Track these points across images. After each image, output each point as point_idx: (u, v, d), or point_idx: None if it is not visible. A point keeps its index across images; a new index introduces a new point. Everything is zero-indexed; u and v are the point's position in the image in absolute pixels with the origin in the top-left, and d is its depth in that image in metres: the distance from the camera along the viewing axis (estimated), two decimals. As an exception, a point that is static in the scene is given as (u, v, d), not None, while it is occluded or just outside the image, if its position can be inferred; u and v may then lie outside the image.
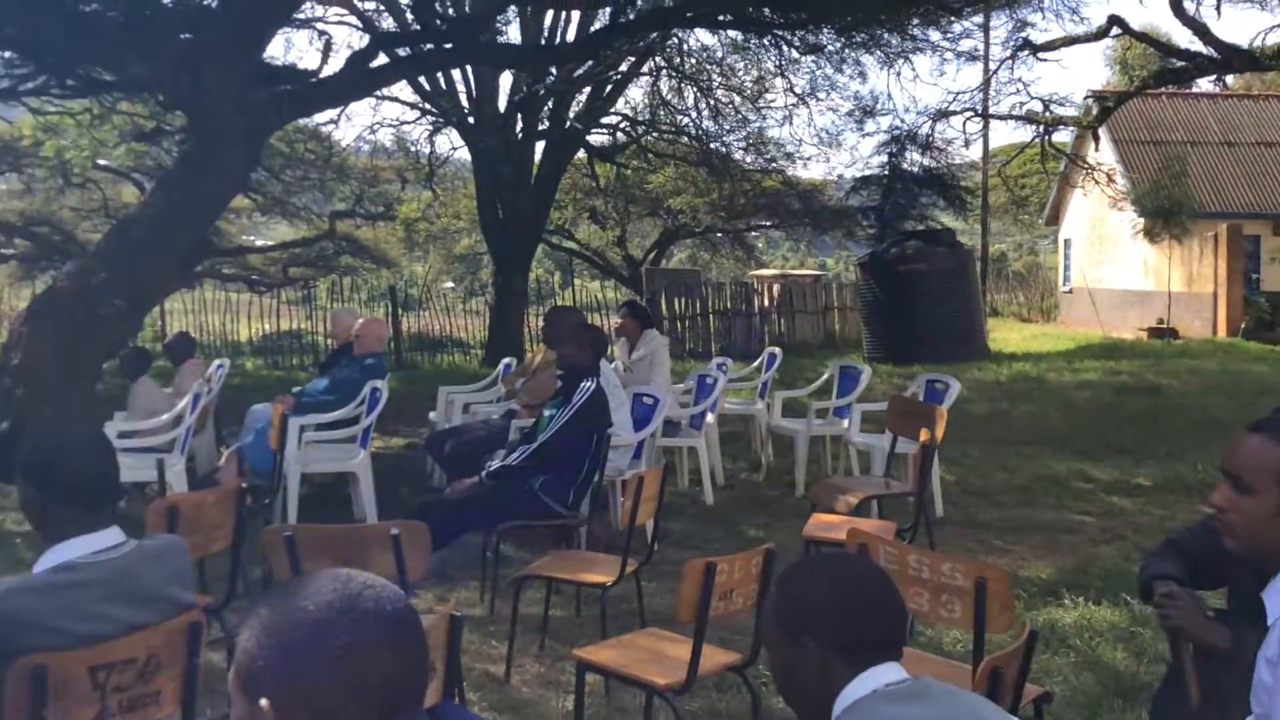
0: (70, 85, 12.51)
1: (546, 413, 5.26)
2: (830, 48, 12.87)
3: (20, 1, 7.83)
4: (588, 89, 15.99)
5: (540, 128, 15.93)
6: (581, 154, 18.28)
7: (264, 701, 1.22)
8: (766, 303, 18.61)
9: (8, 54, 11.40)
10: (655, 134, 18.49)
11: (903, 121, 24.14)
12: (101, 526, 2.35)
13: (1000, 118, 16.95)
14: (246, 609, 4.51)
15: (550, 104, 15.68)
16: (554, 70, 14.14)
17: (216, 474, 6.60)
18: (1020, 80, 18.77)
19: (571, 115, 16.09)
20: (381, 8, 14.03)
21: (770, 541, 3.63)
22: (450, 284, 30.54)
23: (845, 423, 7.48)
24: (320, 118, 15.60)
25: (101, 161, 18.23)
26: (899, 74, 32.90)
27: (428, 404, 8.83)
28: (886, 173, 18.48)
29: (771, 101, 17.74)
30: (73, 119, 16.34)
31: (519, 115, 15.70)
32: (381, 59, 9.77)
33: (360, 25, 14.17)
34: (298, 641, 1.23)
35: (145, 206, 8.44)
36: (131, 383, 7.14)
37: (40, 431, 2.41)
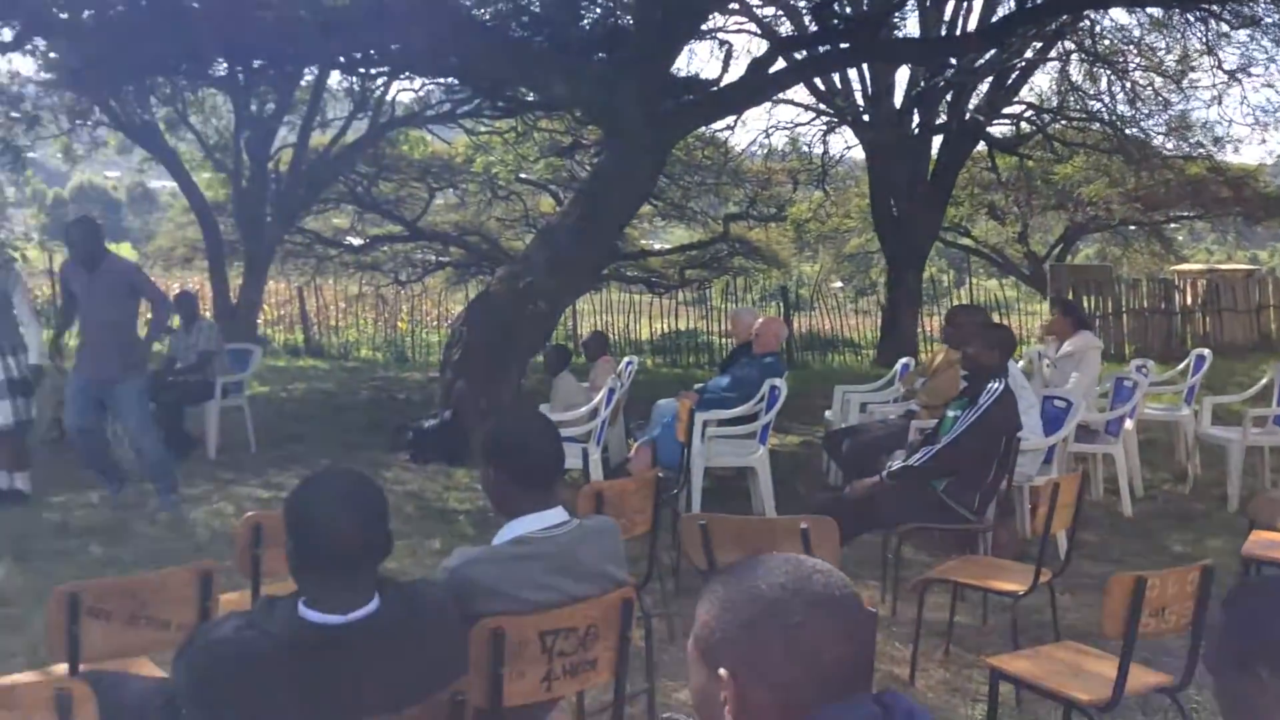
0: (500, 106, 13.82)
1: (950, 413, 5.14)
2: (1268, 19, 11.61)
3: (462, 34, 8.72)
4: (989, 79, 15.39)
5: (938, 121, 15.54)
6: (981, 147, 17.62)
7: (722, 671, 1.30)
8: (1189, 300, 17.04)
9: (449, 81, 12.78)
10: (1063, 122, 17.46)
11: (1358, 94, 21.23)
12: (550, 505, 2.58)
13: None
14: (658, 592, 4.80)
15: (949, 96, 15.25)
16: (954, 61, 13.75)
17: (628, 464, 7.01)
18: None
19: (971, 107, 15.57)
20: (780, 13, 14.28)
21: (1203, 559, 3.35)
22: (839, 283, 30.50)
23: (1289, 433, 6.72)
24: (718, 124, 16.12)
25: (523, 175, 19.90)
26: (1352, 41, 28.88)
27: (820, 402, 8.89)
28: (1338, 153, 16.32)
29: (1197, 81, 16.22)
30: (500, 137, 17.98)
31: (915, 110, 15.40)
32: (780, 63, 9.96)
33: (759, 32, 14.50)
34: (754, 618, 1.30)
35: (565, 216, 9.12)
36: (553, 378, 7.74)
37: (502, 420, 2.68)
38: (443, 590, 2.35)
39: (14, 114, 14.29)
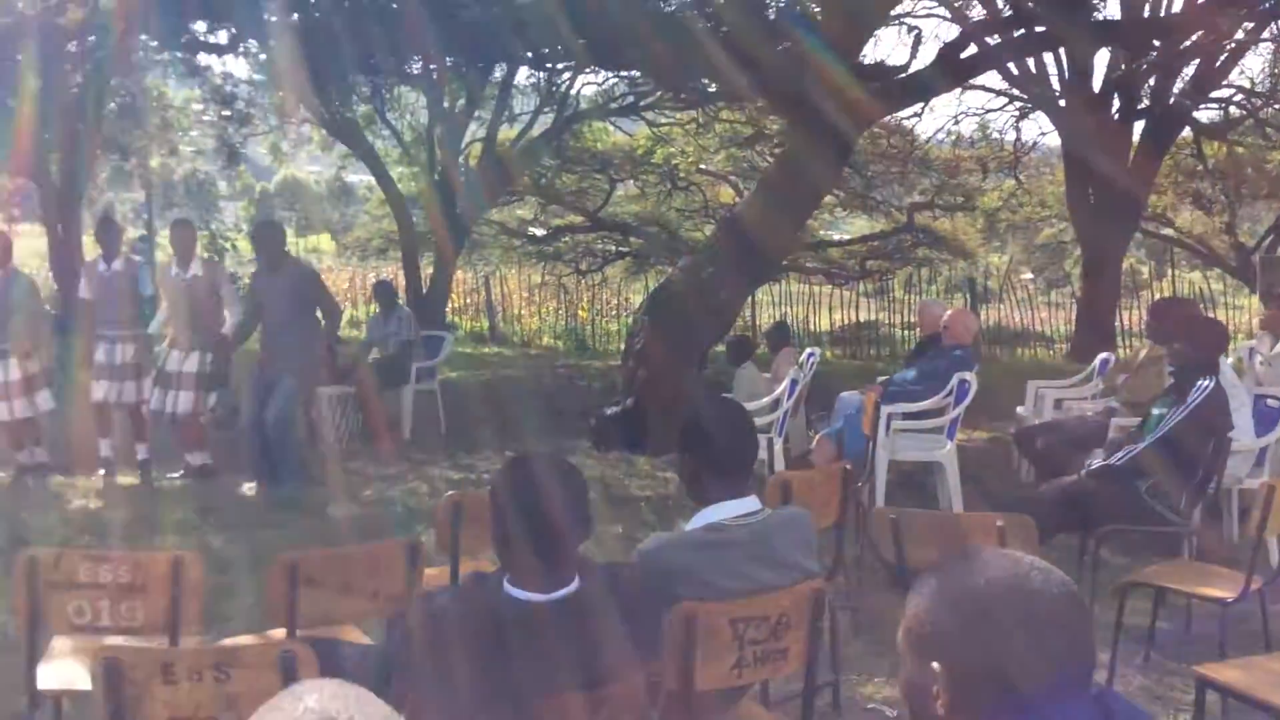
0: (682, 98, 13.89)
1: (1155, 411, 4.91)
2: None
3: (647, 26, 8.79)
4: (1196, 61, 14.54)
5: (1140, 106, 14.79)
6: (1186, 132, 16.68)
7: (935, 665, 1.29)
8: None
9: (633, 74, 12.93)
10: (1277, 106, 16.37)
11: None
12: (744, 494, 2.60)
13: None
14: (842, 585, 4.76)
15: (1152, 80, 14.48)
16: (1157, 44, 13.05)
17: (809, 455, 6.96)
18: None
19: (1176, 91, 14.75)
20: (971, -4, 13.88)
21: None
22: (1028, 275, 29.43)
23: None
24: (904, 111, 15.76)
25: (702, 166, 19.94)
26: None
27: (1008, 397, 8.61)
28: None
29: None
30: (681, 129, 18.06)
31: (1116, 94, 14.69)
32: (971, 48, 9.65)
33: (949, 16, 14.11)
34: (970, 614, 1.29)
35: (748, 206, 9.11)
36: (735, 368, 7.75)
37: (697, 408, 2.71)
38: (639, 573, 2.40)
39: (226, 113, 15.24)
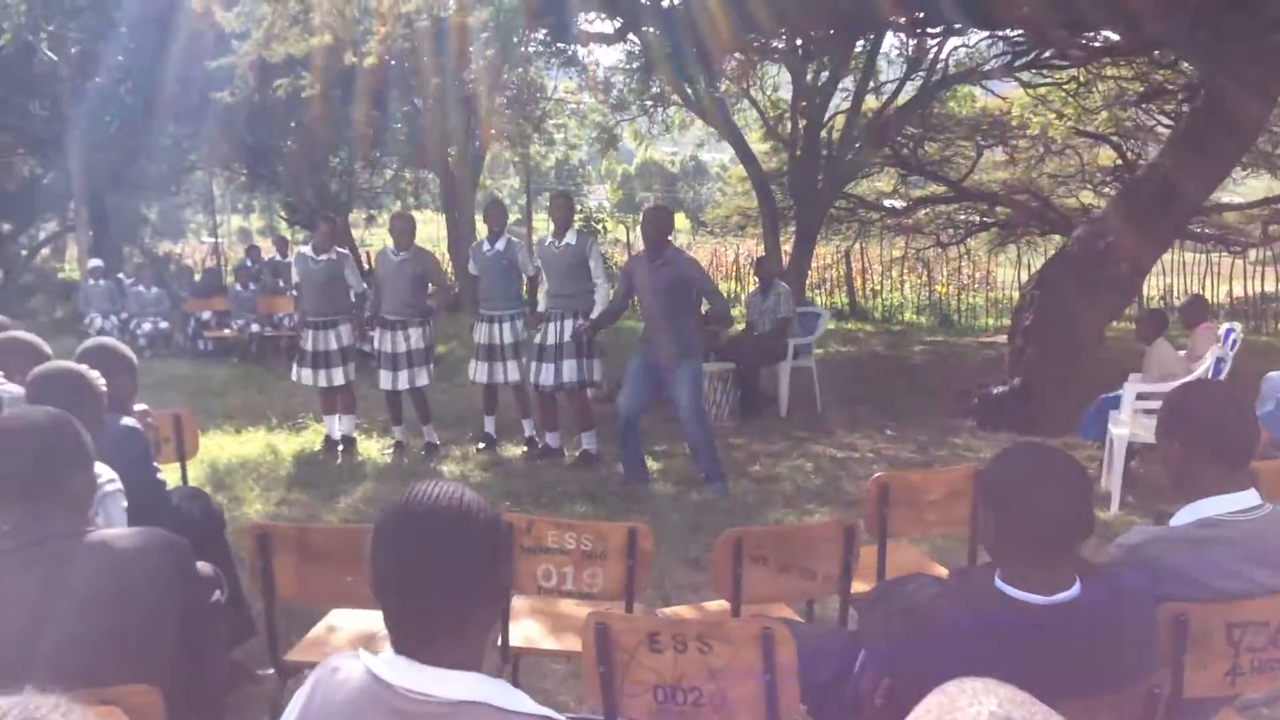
0: (1069, 54, 13.03)
1: None
2: None
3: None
4: None
5: None
6: None
7: None
8: None
9: (1014, 33, 12.26)
10: None
11: None
12: (1243, 486, 2.36)
13: None
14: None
15: None
16: None
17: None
18: None
19: None
20: None
21: None
22: None
23: None
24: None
25: (1080, 128, 18.64)
26: None
27: None
28: None
29: None
30: (1059, 89, 16.99)
31: None
32: None
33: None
34: None
35: (1153, 169, 8.42)
36: (1146, 345, 7.18)
37: (1189, 392, 2.49)
38: (1143, 578, 2.22)
39: (603, 99, 15.94)
